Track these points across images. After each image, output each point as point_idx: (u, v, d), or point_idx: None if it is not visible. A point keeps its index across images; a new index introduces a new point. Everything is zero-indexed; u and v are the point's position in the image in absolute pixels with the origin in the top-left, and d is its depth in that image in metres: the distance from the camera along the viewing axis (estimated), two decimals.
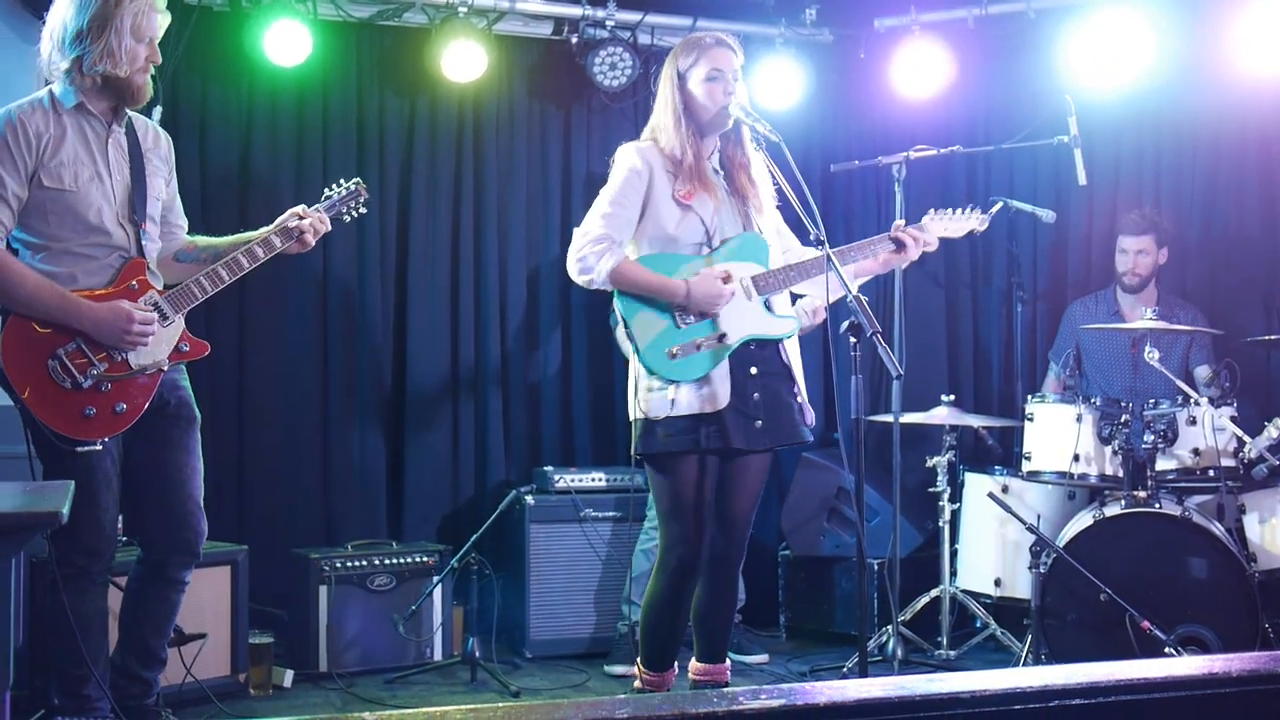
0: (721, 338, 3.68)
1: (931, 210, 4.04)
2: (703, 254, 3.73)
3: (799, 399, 3.82)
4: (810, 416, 3.86)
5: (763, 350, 3.76)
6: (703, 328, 3.68)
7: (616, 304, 3.74)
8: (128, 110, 3.64)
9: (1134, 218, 5.55)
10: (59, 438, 3.43)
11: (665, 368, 3.65)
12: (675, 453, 3.67)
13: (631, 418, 3.77)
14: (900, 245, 3.88)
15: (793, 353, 3.84)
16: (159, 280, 3.67)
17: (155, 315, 3.54)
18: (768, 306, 3.78)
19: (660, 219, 3.71)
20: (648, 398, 3.69)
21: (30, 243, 3.51)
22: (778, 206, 3.92)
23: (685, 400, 3.64)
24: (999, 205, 4.23)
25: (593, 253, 3.67)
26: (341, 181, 4.02)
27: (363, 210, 4.04)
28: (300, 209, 3.81)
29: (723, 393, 3.65)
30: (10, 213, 3.45)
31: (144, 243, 3.61)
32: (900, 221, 3.96)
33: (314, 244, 3.80)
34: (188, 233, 3.90)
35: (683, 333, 3.67)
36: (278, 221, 3.79)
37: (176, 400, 3.69)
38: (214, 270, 3.65)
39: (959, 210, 4.06)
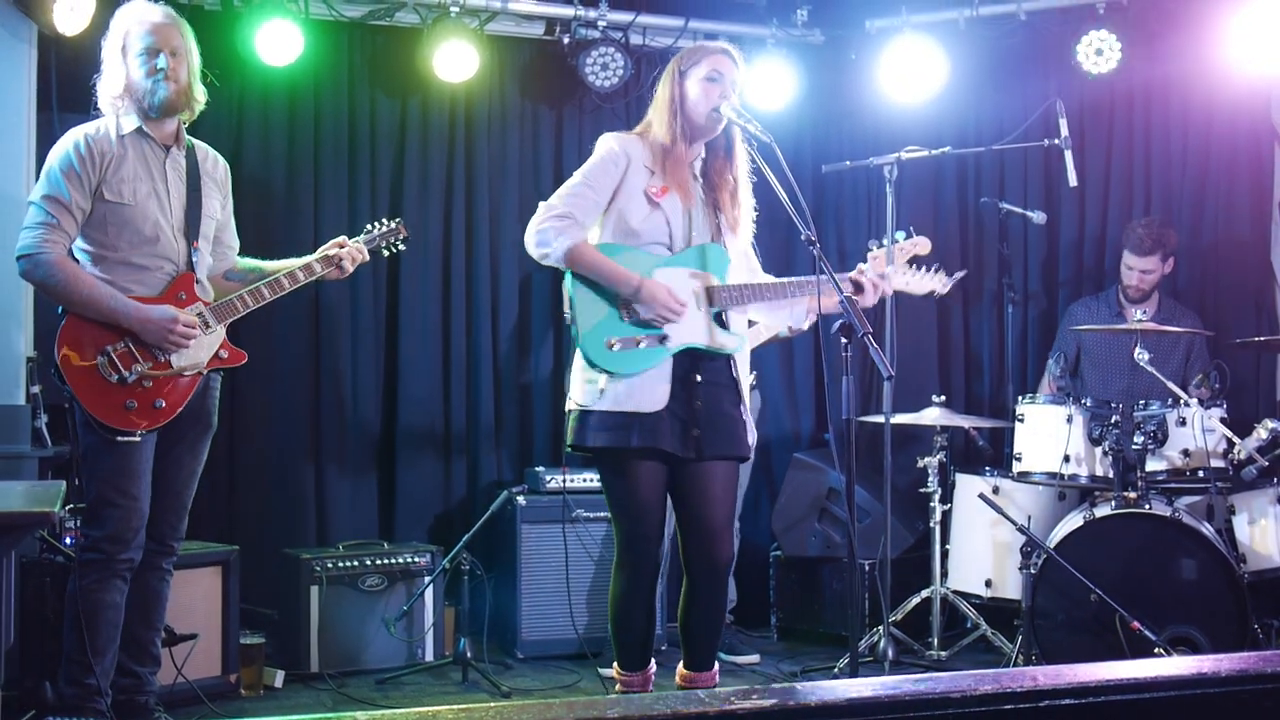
0: (663, 339, 3.65)
1: (876, 245, 4.00)
2: (662, 255, 3.71)
3: (743, 414, 3.77)
4: (752, 434, 3.82)
5: (713, 360, 3.72)
6: (646, 325, 3.65)
7: (566, 284, 3.72)
8: (186, 135, 3.96)
9: (1141, 236, 5.45)
10: (102, 427, 3.70)
11: (601, 357, 3.62)
12: (610, 449, 3.63)
13: (566, 407, 3.75)
14: (859, 288, 3.80)
15: (742, 368, 3.80)
16: (207, 293, 3.94)
17: (199, 322, 3.81)
18: (719, 319, 3.74)
19: (627, 211, 3.70)
20: (581, 386, 3.66)
21: (90, 252, 3.80)
22: (757, 211, 3.92)
23: (614, 394, 3.61)
24: (962, 274, 4.21)
25: (552, 228, 3.64)
26: (384, 220, 4.33)
27: (401, 247, 4.39)
28: (341, 239, 4.10)
29: (659, 394, 3.61)
30: (74, 222, 3.76)
31: (194, 258, 3.88)
32: (864, 266, 3.87)
33: (351, 271, 4.08)
34: (239, 254, 4.17)
35: (625, 326, 3.65)
36: (321, 250, 4.07)
37: (202, 406, 3.93)
38: (257, 288, 3.94)
39: (924, 269, 3.99)
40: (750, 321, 3.95)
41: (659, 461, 3.67)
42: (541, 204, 3.74)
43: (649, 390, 3.61)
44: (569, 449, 3.76)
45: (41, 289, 3.87)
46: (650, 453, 3.64)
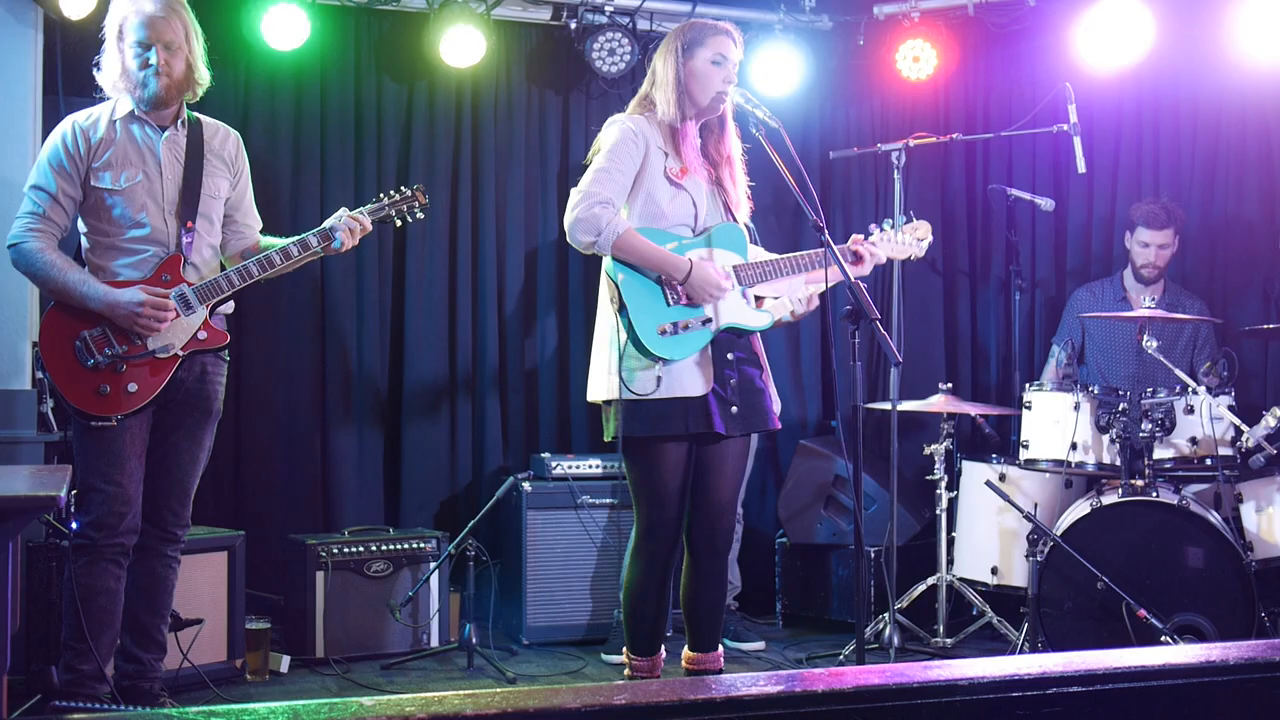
0: (706, 322, 3.67)
1: (877, 230, 4.00)
2: (687, 237, 3.71)
3: (768, 385, 3.83)
4: (777, 405, 3.88)
5: (739, 337, 3.76)
6: (690, 309, 3.66)
7: (612, 271, 3.65)
8: (192, 112, 3.93)
9: (1155, 210, 5.45)
10: (76, 412, 3.73)
11: (655, 344, 3.60)
12: (663, 437, 3.62)
13: (606, 397, 3.68)
14: (859, 258, 3.87)
15: (760, 341, 3.87)
16: (196, 274, 3.87)
17: (172, 304, 3.76)
18: (747, 297, 3.78)
19: (654, 193, 3.67)
20: (633, 375, 3.61)
21: (90, 238, 3.84)
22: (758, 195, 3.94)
23: (669, 382, 3.60)
24: (927, 241, 4.12)
25: (600, 215, 3.54)
26: (403, 188, 4.16)
27: (420, 215, 4.15)
28: (342, 210, 4.00)
29: (706, 376, 3.64)
30: (64, 212, 3.79)
31: (184, 239, 3.84)
32: (858, 236, 3.93)
33: (355, 243, 3.98)
34: (261, 232, 4.12)
35: (671, 310, 3.65)
36: (322, 226, 3.99)
37: (200, 392, 3.91)
38: (246, 266, 3.88)
39: (900, 233, 4.00)
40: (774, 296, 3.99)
41: (692, 446, 3.70)
42: (574, 190, 3.64)
43: (696, 374, 3.64)
44: (613, 439, 3.67)
45: (27, 277, 3.91)
46: (689, 438, 3.66)
